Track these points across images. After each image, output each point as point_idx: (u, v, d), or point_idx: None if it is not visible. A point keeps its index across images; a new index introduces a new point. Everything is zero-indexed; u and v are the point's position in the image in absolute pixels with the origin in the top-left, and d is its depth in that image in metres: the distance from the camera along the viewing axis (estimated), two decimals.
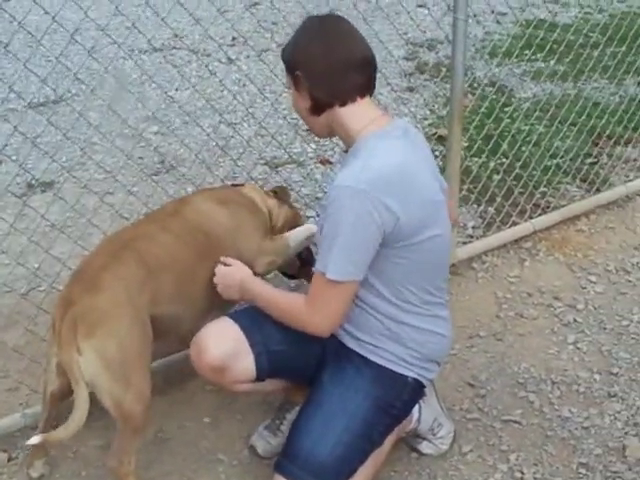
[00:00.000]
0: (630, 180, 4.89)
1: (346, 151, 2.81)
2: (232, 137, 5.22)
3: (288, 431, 3.05)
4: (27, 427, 3.20)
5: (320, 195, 4.77)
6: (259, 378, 2.94)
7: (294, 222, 3.50)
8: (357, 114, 2.70)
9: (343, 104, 2.69)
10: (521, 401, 3.42)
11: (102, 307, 2.72)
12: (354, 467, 2.83)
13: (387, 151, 2.64)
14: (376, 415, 2.84)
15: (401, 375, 2.87)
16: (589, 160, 5.01)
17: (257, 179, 4.91)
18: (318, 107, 2.73)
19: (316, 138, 5.24)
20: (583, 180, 4.89)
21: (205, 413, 3.40)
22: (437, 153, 5.04)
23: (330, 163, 5.15)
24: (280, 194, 3.51)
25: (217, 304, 3.13)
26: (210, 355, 2.82)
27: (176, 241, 3.01)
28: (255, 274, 3.08)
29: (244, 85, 6.22)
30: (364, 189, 2.53)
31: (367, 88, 2.73)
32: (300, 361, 2.98)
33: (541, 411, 3.36)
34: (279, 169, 5.06)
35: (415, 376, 2.89)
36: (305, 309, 2.74)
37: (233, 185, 3.52)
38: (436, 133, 5.34)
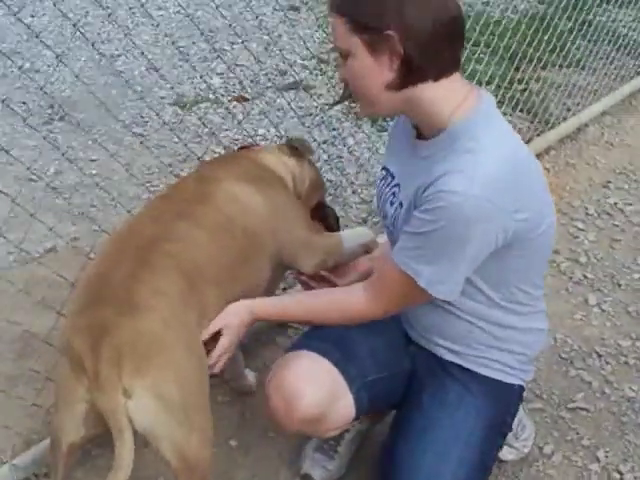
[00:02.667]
0: (570, 109, 4.57)
1: (419, 135, 2.22)
2: (122, 72, 4.45)
3: (349, 455, 2.64)
4: None
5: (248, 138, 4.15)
6: (357, 417, 2.42)
7: (318, 184, 2.89)
8: (450, 92, 2.09)
9: (437, 78, 2.07)
10: (576, 382, 3.09)
11: (150, 333, 2.04)
12: None
13: (497, 141, 2.09)
14: (490, 438, 2.41)
15: (509, 385, 2.44)
16: (520, 87, 4.63)
17: (171, 123, 4.20)
18: (406, 81, 2.06)
19: (218, 70, 4.60)
20: (522, 110, 4.54)
21: (228, 434, 2.80)
22: None
23: (246, 100, 4.49)
24: (300, 149, 2.80)
25: None
26: (305, 404, 2.25)
27: (213, 240, 2.34)
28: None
29: (108, 7, 5.36)
30: (487, 197, 1.99)
31: (460, 58, 2.13)
32: (395, 384, 2.48)
33: (603, 392, 3.05)
34: (193, 109, 4.35)
35: (520, 383, 2.48)
36: (367, 295, 2.24)
37: (242, 148, 2.82)
38: None
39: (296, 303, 2.37)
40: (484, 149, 2.03)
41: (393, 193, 2.31)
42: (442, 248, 2.07)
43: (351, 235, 2.76)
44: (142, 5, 4.34)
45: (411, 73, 2.04)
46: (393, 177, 2.33)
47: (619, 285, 3.55)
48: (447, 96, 2.08)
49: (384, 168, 2.41)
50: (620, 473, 2.75)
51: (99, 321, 2.01)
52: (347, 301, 2.29)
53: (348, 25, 2.03)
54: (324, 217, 2.90)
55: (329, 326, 2.37)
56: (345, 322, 2.31)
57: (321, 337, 2.41)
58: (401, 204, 2.24)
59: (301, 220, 2.62)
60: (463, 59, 2.88)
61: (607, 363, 3.17)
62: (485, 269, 2.16)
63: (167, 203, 2.42)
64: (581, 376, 3.11)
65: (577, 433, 2.89)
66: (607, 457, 2.81)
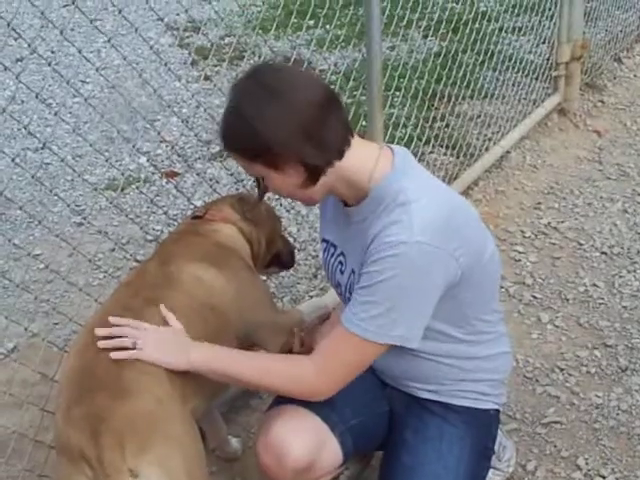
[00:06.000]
0: (491, 138, 4.72)
1: (346, 204, 2.33)
2: (49, 164, 4.49)
3: None
4: None
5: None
6: (345, 461, 2.49)
7: (274, 237, 2.94)
8: (359, 160, 2.20)
9: (341, 155, 2.18)
10: (545, 397, 3.21)
11: (145, 412, 2.09)
12: None
13: (421, 188, 2.22)
14: (477, 463, 2.51)
15: (486, 410, 2.54)
16: (439, 124, 4.78)
17: (106, 208, 4.26)
18: (315, 174, 2.17)
19: (144, 148, 4.67)
20: (447, 146, 4.67)
21: None
22: None
23: (177, 175, 4.56)
24: (251, 216, 2.80)
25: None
26: (294, 456, 2.30)
27: (185, 322, 2.35)
28: None
29: (22, 102, 5.40)
30: (428, 241, 2.10)
31: (349, 123, 2.22)
32: (376, 426, 2.56)
33: (572, 403, 3.17)
34: (125, 191, 4.40)
35: (495, 406, 2.58)
36: (314, 371, 2.24)
37: (195, 218, 2.77)
38: None
39: (237, 359, 2.31)
40: (414, 199, 2.15)
41: (340, 262, 2.41)
42: (392, 298, 2.13)
43: (309, 308, 2.85)
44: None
45: (314, 168, 2.15)
46: (335, 246, 2.44)
47: (567, 300, 3.68)
48: (359, 165, 2.21)
49: (324, 240, 2.51)
50: (602, 477, 2.87)
51: (93, 410, 2.05)
52: (295, 371, 2.29)
53: (243, 158, 2.18)
54: (280, 260, 2.99)
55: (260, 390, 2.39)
56: (288, 391, 2.31)
57: None
58: (353, 271, 2.33)
59: (264, 300, 2.69)
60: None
61: (570, 375, 3.29)
62: (442, 310, 2.25)
63: (134, 290, 2.43)
64: (548, 391, 3.23)
65: (555, 446, 3.00)
66: (587, 464, 2.92)
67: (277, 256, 2.98)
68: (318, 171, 2.16)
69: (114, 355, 2.14)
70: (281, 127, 2.08)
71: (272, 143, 2.09)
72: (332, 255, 2.44)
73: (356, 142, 2.21)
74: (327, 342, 2.25)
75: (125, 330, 2.19)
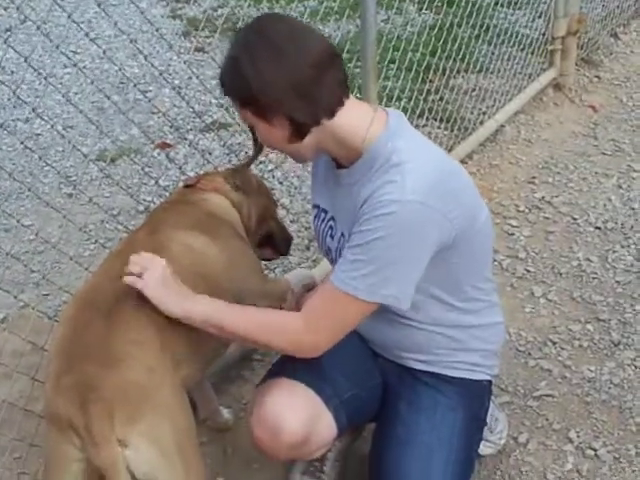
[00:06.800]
0: (486, 112, 4.69)
1: (339, 166, 2.30)
2: (39, 135, 4.45)
3: (335, 473, 2.67)
4: None
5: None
6: (339, 434, 2.48)
7: (267, 213, 2.92)
8: (353, 119, 2.18)
9: (332, 114, 2.16)
10: (537, 371, 3.20)
11: (135, 381, 2.07)
12: None
13: (415, 149, 2.20)
14: (469, 433, 2.50)
15: (478, 381, 2.53)
16: (433, 97, 4.74)
17: (96, 179, 4.22)
18: (301, 130, 2.15)
19: (136, 119, 4.63)
20: (441, 119, 4.64)
21: (214, 472, 2.81)
22: None
23: (169, 146, 4.52)
24: (242, 185, 2.78)
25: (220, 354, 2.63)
26: (289, 431, 2.29)
27: None
28: None
29: (12, 72, 5.34)
30: (420, 201, 2.08)
31: (347, 83, 2.21)
32: (370, 398, 2.55)
33: (563, 377, 3.16)
34: (117, 162, 4.37)
35: (488, 377, 2.57)
36: (303, 326, 2.21)
37: (186, 186, 2.75)
38: None
39: (231, 310, 2.29)
40: (407, 159, 2.13)
41: (330, 227, 2.39)
42: (384, 257, 2.11)
43: (295, 278, 2.83)
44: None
45: (301, 125, 2.14)
46: (326, 212, 2.42)
47: (560, 274, 3.66)
48: (352, 125, 2.18)
49: (315, 206, 2.49)
50: (594, 450, 2.86)
51: (83, 379, 2.03)
52: (286, 326, 2.27)
53: (235, 103, 2.18)
54: (273, 243, 2.97)
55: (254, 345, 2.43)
56: (278, 344, 2.30)
57: (292, 363, 2.41)
58: (342, 234, 2.31)
59: (254, 269, 2.67)
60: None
61: (562, 349, 3.28)
62: (437, 275, 2.24)
63: (124, 259, 2.35)
64: (540, 365, 3.22)
65: (547, 419, 2.99)
66: (579, 437, 2.91)
67: (270, 237, 2.94)
68: (304, 128, 2.14)
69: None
70: (273, 82, 2.08)
71: (261, 95, 2.08)
72: (323, 220, 2.42)
73: (351, 103, 2.19)
74: (317, 300, 2.24)
75: (137, 259, 2.23)
